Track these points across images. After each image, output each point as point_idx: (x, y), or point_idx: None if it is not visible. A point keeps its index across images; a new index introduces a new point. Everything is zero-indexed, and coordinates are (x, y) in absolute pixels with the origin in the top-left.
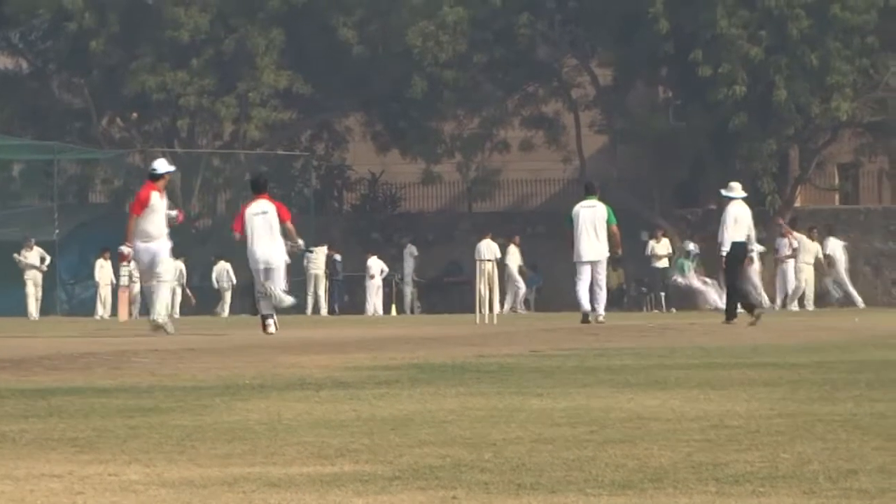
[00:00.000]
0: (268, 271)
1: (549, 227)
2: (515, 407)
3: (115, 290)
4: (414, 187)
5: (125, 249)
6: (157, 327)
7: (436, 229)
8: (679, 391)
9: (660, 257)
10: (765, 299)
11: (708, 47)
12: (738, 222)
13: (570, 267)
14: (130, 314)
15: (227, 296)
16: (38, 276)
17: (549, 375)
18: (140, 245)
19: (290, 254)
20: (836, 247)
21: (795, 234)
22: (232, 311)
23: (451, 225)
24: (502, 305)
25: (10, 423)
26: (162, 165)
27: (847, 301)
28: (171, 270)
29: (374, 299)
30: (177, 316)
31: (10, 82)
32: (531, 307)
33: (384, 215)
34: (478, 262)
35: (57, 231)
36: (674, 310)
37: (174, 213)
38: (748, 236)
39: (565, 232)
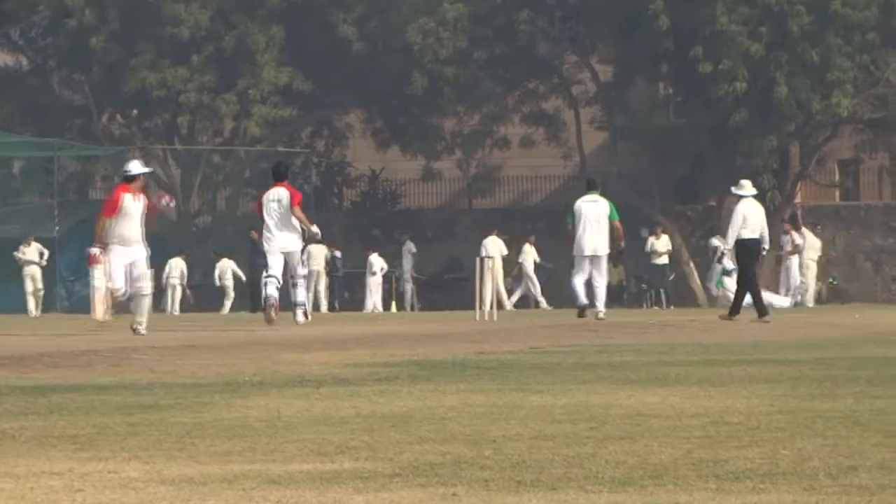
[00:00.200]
0: (285, 255)
1: (550, 223)
2: (515, 404)
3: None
4: (414, 184)
5: (94, 251)
6: (137, 333)
7: (436, 226)
8: (679, 388)
9: (660, 254)
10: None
11: (708, 44)
12: (747, 220)
13: (571, 263)
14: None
15: (230, 293)
16: (37, 273)
17: (549, 372)
18: (117, 249)
19: (307, 240)
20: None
21: (803, 230)
22: (232, 308)
23: (452, 222)
24: (508, 296)
25: (10, 421)
26: (136, 167)
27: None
28: (150, 282)
29: (375, 296)
30: (177, 313)
31: (10, 79)
32: (531, 304)
33: (384, 212)
34: (485, 259)
35: (57, 228)
36: (672, 307)
37: (165, 199)
38: (761, 234)
39: (566, 226)
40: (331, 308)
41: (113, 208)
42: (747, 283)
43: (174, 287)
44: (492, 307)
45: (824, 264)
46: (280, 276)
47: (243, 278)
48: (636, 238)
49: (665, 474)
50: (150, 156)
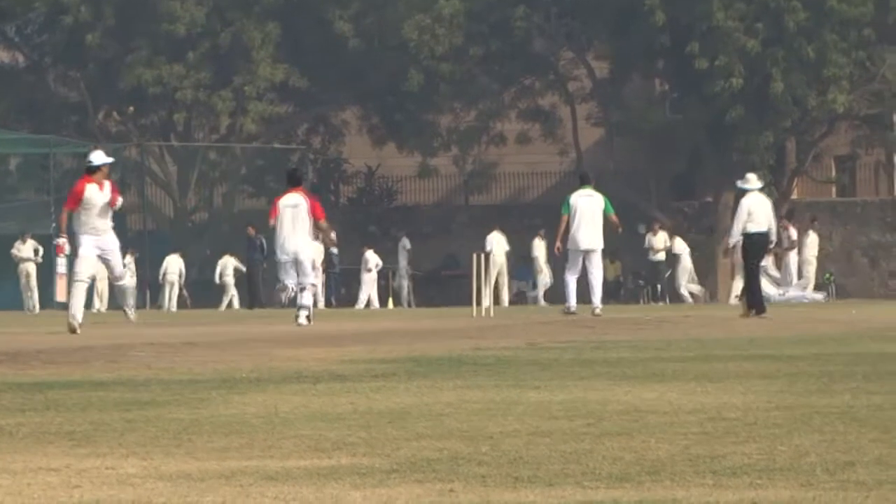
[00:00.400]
0: (296, 263)
1: (546, 219)
2: (512, 400)
3: (112, 283)
4: (410, 180)
5: (59, 241)
6: (129, 320)
7: (432, 222)
8: (676, 384)
9: (657, 250)
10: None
11: (704, 40)
12: (752, 214)
13: (565, 257)
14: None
15: (230, 290)
16: (32, 269)
17: (547, 368)
18: (89, 239)
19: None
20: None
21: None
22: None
23: (448, 218)
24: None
25: (7, 417)
26: (98, 157)
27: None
28: (125, 272)
29: (370, 292)
30: (174, 310)
31: (6, 76)
32: (527, 300)
33: (381, 208)
34: (489, 255)
35: (54, 225)
36: (662, 303)
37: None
38: (769, 228)
39: (560, 218)
40: (327, 304)
41: (75, 200)
42: (749, 276)
43: (171, 284)
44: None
45: (821, 260)
46: (293, 285)
47: (243, 269)
48: (633, 234)
49: (662, 470)
50: (146, 152)
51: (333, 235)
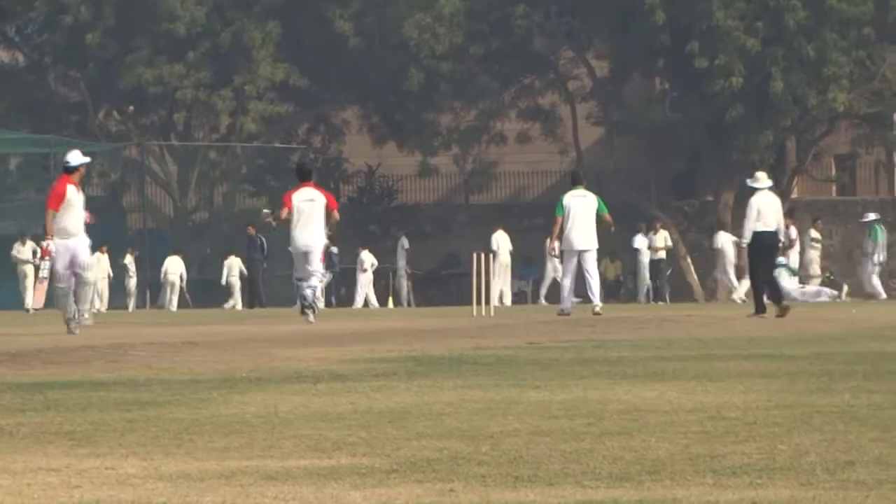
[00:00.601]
0: (307, 255)
1: (547, 219)
2: (513, 399)
3: (112, 283)
4: (411, 180)
5: (47, 244)
6: (80, 325)
7: (433, 222)
8: (676, 383)
9: (657, 249)
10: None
11: (704, 39)
12: (762, 213)
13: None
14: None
15: (237, 290)
16: (31, 271)
17: (547, 367)
18: (58, 242)
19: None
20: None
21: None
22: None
23: (448, 217)
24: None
25: (7, 417)
26: (76, 157)
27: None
28: (93, 271)
29: (367, 292)
30: (174, 309)
31: (6, 76)
32: (528, 300)
33: (381, 208)
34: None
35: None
36: (662, 302)
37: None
38: (777, 227)
39: (554, 219)
40: (327, 304)
41: (59, 200)
42: (753, 276)
43: (172, 284)
44: (489, 302)
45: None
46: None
47: (245, 272)
48: (633, 233)
49: (662, 469)
50: (146, 152)
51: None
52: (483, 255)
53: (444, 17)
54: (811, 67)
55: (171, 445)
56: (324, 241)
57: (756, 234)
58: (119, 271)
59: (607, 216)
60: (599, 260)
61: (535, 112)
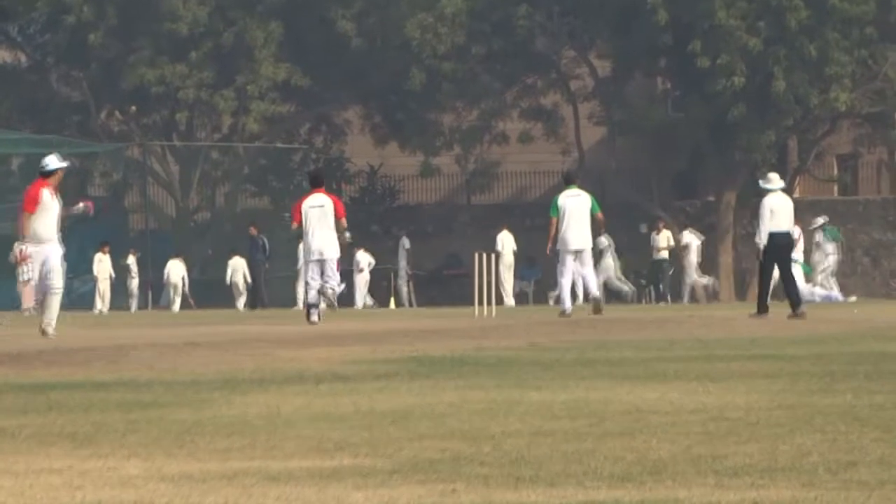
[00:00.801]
0: (321, 262)
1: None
2: (514, 400)
3: (114, 284)
4: (412, 180)
5: (23, 248)
6: (46, 335)
7: (434, 222)
8: (678, 384)
9: (660, 249)
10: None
11: (706, 38)
12: (775, 213)
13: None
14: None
15: (242, 291)
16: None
17: (548, 368)
18: (30, 248)
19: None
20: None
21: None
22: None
23: (450, 217)
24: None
25: (9, 418)
26: (53, 161)
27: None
28: (61, 280)
29: (364, 292)
30: (176, 310)
31: (8, 76)
32: (529, 300)
33: (383, 208)
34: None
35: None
36: (664, 303)
37: (82, 205)
38: (791, 228)
39: (549, 221)
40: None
41: (34, 203)
42: (764, 277)
43: (175, 286)
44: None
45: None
46: (318, 286)
47: (248, 279)
48: (636, 233)
49: (664, 470)
50: (149, 152)
51: (349, 236)
52: (485, 256)
53: (446, 17)
54: (813, 67)
55: (173, 446)
56: (338, 249)
57: (770, 235)
58: (121, 272)
59: (600, 215)
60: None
61: (537, 112)
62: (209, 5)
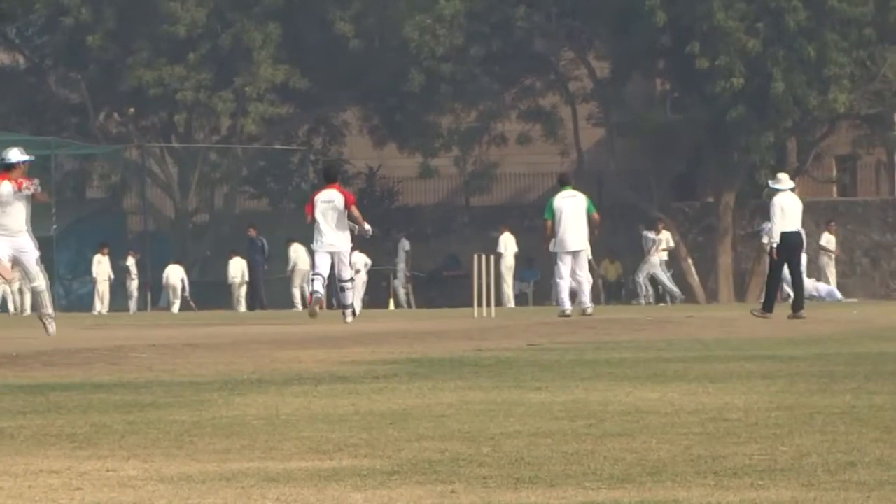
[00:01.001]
0: (333, 255)
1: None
2: (514, 401)
3: (113, 285)
4: (411, 181)
5: None
6: (46, 327)
7: (433, 223)
8: (677, 384)
9: (660, 250)
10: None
11: (705, 39)
12: (786, 213)
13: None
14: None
15: (242, 291)
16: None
17: (548, 369)
18: (2, 239)
19: (356, 238)
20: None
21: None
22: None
23: (449, 218)
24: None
25: (8, 420)
26: (15, 155)
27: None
28: (41, 275)
29: (361, 294)
30: (175, 311)
31: (6, 78)
32: (529, 301)
33: (382, 209)
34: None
35: (55, 226)
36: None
37: (28, 186)
38: (800, 227)
39: (545, 223)
40: (328, 306)
41: None
42: (774, 276)
43: (174, 288)
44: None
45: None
46: (325, 274)
47: (247, 278)
48: (634, 235)
49: (663, 471)
50: (147, 154)
51: (368, 227)
52: (484, 257)
53: (444, 19)
54: (812, 68)
55: (172, 447)
56: (349, 245)
57: (782, 235)
58: (120, 273)
59: (595, 216)
60: (599, 261)
61: (536, 113)
62: (207, 7)
